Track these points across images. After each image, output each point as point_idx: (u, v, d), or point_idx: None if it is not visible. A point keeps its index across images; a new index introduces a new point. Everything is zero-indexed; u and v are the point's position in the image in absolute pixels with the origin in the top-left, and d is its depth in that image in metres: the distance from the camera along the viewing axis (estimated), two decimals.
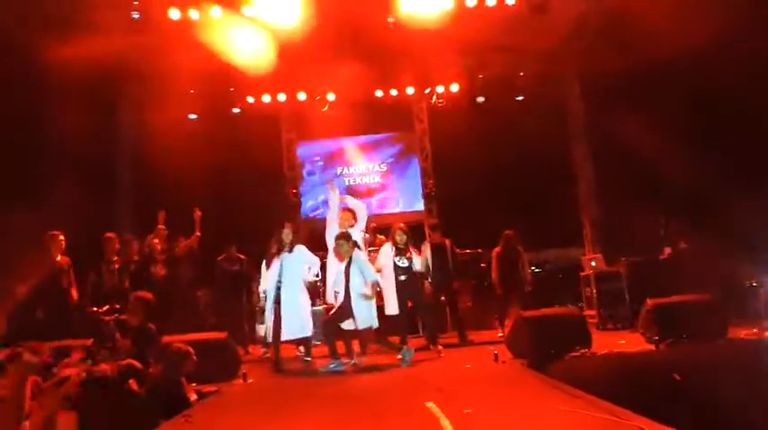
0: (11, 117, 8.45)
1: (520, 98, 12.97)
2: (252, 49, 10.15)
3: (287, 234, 7.39)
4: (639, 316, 6.91)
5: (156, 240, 8.29)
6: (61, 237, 7.38)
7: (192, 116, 12.18)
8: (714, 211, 9.24)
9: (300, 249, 7.34)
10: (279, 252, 7.28)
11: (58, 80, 8.54)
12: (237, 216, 11.49)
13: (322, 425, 4.13)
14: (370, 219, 11.74)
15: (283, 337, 7.13)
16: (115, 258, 7.74)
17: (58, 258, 7.33)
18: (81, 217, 8.07)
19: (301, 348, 8.29)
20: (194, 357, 5.20)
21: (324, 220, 12.05)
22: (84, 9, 8.94)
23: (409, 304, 7.57)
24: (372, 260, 8.39)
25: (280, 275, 7.18)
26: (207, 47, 9.82)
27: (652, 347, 6.42)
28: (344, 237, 6.99)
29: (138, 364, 5.51)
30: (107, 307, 7.27)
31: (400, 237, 7.64)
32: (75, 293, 7.43)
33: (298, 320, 7.13)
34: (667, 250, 9.49)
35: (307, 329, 7.25)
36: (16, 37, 8.14)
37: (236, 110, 12.76)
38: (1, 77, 8.19)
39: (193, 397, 5.22)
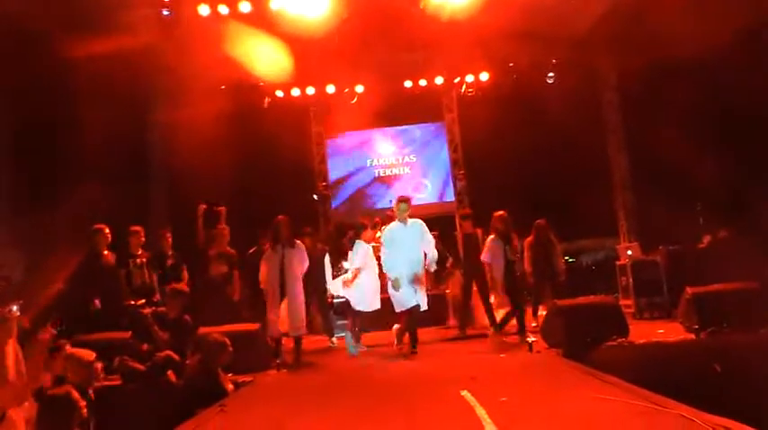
0: (44, 114, 8.63)
1: (550, 78, 12.68)
2: (280, 44, 10.20)
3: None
4: (679, 305, 6.75)
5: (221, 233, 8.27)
6: (107, 231, 7.30)
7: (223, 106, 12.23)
8: (754, 199, 8.98)
9: (299, 246, 7.23)
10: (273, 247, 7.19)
11: (89, 77, 8.66)
12: (268, 209, 11.56)
13: (355, 414, 4.14)
14: None
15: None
16: (140, 252, 7.58)
17: (105, 252, 7.30)
18: (115, 211, 8.16)
19: (334, 339, 8.37)
20: (230, 348, 5.26)
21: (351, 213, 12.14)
22: (115, 7, 9.08)
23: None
24: None
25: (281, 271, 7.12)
26: (237, 42, 9.90)
27: (692, 337, 6.27)
28: (406, 200, 7.09)
29: (175, 356, 5.62)
30: (144, 300, 7.34)
31: None
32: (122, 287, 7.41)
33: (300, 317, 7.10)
34: (707, 238, 9.26)
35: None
36: (46, 34, 8.29)
37: (266, 102, 12.84)
38: (33, 75, 8.36)
39: (230, 387, 5.29)
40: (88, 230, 7.33)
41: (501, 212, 7.83)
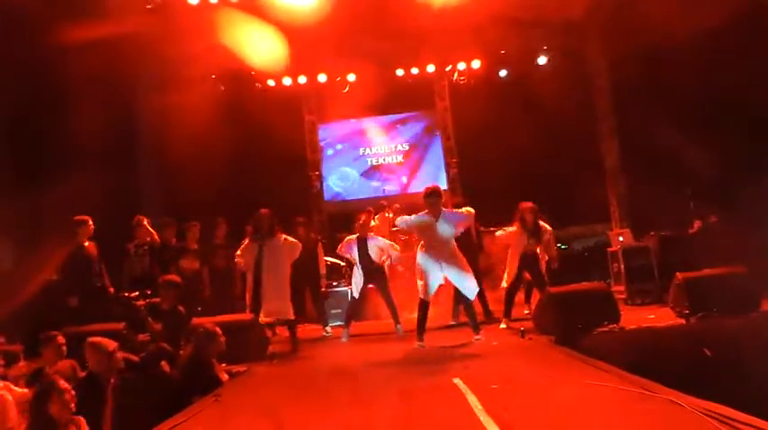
0: (32, 102, 8.56)
1: (542, 62, 12.68)
2: (271, 32, 10.13)
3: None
4: (669, 290, 6.80)
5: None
6: (90, 223, 7.31)
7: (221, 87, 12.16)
8: (744, 184, 9.03)
9: (280, 239, 7.14)
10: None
11: (78, 63, 8.57)
12: (259, 199, 11.55)
13: (349, 403, 4.17)
14: (392, 199, 11.81)
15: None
16: (149, 239, 7.64)
17: (86, 244, 7.29)
18: (105, 201, 8.13)
19: (328, 328, 8.41)
20: (222, 338, 5.28)
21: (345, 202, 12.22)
22: None
23: None
24: (396, 239, 8.46)
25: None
26: (227, 30, 9.83)
27: (682, 321, 6.33)
28: (434, 192, 6.48)
29: (167, 347, 5.63)
30: (137, 292, 7.34)
31: None
32: (106, 278, 7.48)
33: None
34: (697, 224, 9.32)
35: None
36: (34, 20, 8.21)
37: (257, 91, 12.79)
38: (20, 62, 8.28)
39: (225, 377, 5.32)
40: (72, 221, 7.32)
41: (530, 204, 7.62)
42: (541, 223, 7.81)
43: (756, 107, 9.08)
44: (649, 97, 10.44)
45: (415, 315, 6.62)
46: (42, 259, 7.17)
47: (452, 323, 8.02)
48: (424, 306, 6.50)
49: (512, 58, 12.68)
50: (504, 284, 7.76)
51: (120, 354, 4.71)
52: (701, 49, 9.22)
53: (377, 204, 11.14)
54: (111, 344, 4.63)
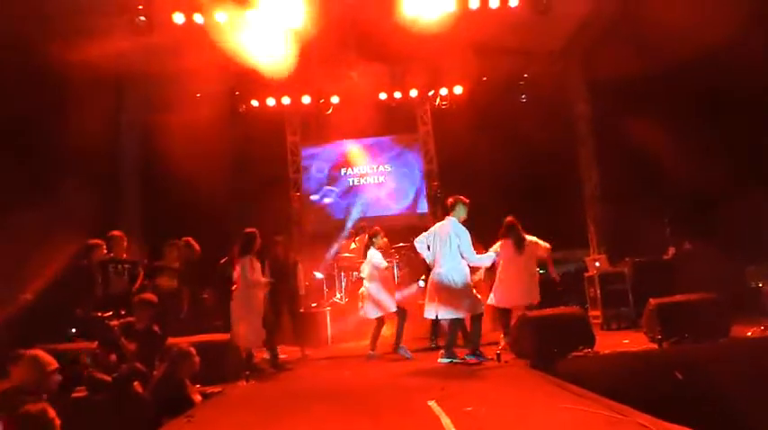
0: (17, 119, 8.52)
1: (524, 99, 12.99)
2: (257, 53, 10.20)
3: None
4: (643, 315, 6.90)
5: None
6: (104, 248, 7.33)
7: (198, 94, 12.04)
8: (718, 212, 9.23)
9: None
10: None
11: (64, 82, 8.58)
12: (242, 219, 11.53)
13: (324, 425, 4.16)
14: (373, 221, 11.85)
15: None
16: (125, 256, 7.52)
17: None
18: (88, 218, 8.07)
19: (307, 352, 8.37)
20: (196, 358, 5.23)
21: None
22: (89, 12, 9.01)
23: None
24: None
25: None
26: (211, 51, 9.88)
27: (655, 346, 6.42)
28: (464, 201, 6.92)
29: (140, 367, 5.56)
30: (111, 312, 7.22)
31: None
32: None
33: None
34: (671, 250, 9.48)
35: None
36: (22, 39, 8.21)
37: (241, 111, 12.82)
38: (7, 79, 8.26)
39: (198, 398, 5.25)
40: (88, 244, 7.30)
41: (513, 218, 7.76)
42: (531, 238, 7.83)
43: (736, 134, 9.33)
44: (629, 123, 10.66)
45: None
46: (24, 276, 7.10)
47: (432, 346, 8.02)
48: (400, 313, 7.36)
49: (493, 85, 12.88)
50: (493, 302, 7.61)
51: (57, 377, 4.45)
52: (680, 77, 9.47)
53: (357, 226, 11.16)
54: (52, 364, 4.40)
